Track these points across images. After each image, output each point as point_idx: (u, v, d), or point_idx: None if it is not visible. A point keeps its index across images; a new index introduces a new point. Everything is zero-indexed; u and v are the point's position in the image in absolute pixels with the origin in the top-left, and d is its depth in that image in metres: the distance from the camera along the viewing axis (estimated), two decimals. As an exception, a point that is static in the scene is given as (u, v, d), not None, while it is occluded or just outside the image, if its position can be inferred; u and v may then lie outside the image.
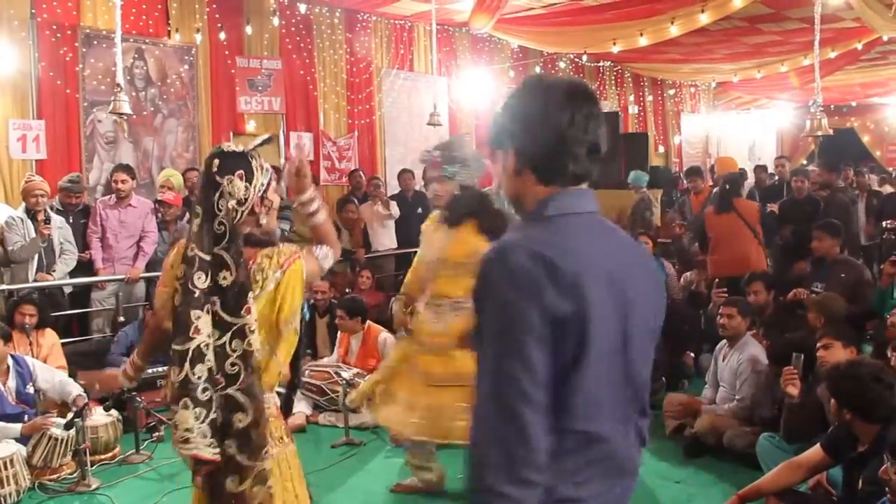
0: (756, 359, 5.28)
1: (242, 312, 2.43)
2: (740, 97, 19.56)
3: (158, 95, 8.68)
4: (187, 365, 2.39)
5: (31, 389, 5.26)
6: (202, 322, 2.41)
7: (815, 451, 3.68)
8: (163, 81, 8.71)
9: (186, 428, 2.38)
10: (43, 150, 7.67)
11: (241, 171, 2.54)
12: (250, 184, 2.56)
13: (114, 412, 5.46)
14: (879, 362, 3.98)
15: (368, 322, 6.40)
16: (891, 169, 18.07)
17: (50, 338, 6.01)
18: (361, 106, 10.72)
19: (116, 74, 5.66)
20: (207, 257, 2.46)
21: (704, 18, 9.84)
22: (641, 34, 10.67)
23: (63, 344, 6.22)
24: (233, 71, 9.35)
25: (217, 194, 2.51)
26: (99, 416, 5.33)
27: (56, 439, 4.91)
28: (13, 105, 7.56)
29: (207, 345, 2.41)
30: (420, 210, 9.84)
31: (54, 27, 7.80)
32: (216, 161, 2.55)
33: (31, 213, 6.44)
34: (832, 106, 19.09)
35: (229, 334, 2.43)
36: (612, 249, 1.65)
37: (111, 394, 5.15)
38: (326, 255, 2.73)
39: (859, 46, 12.46)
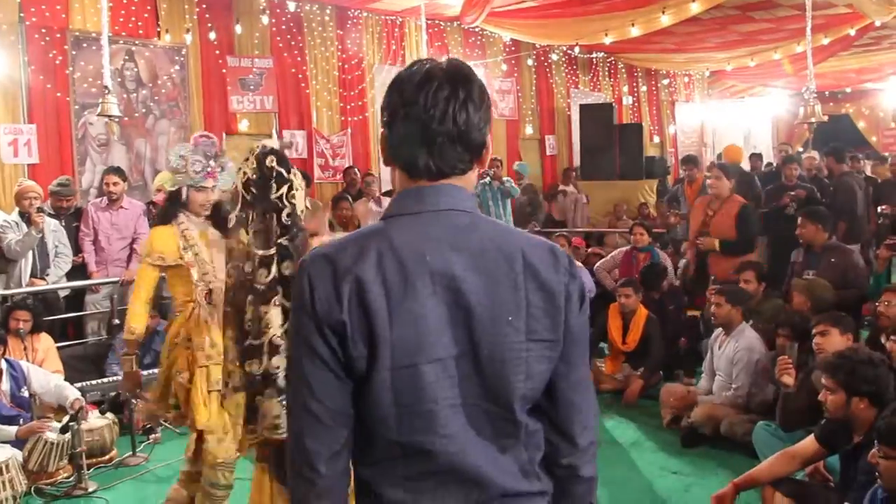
0: (752, 347, 5.28)
1: None
2: (734, 85, 19.53)
3: (150, 97, 8.66)
4: (265, 358, 2.60)
5: (25, 393, 5.26)
6: (271, 316, 2.58)
7: (809, 443, 3.67)
8: (154, 82, 8.69)
9: (276, 415, 2.59)
10: (35, 154, 7.66)
11: (296, 170, 2.74)
12: (304, 180, 2.80)
13: (110, 415, 5.46)
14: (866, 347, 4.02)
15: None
16: (886, 154, 18.06)
17: (45, 342, 6.00)
18: (354, 103, 10.71)
19: (104, 77, 5.64)
20: (270, 252, 2.61)
21: (696, 7, 9.80)
22: (633, 24, 10.63)
23: (59, 348, 6.21)
24: (224, 70, 9.33)
25: (287, 187, 2.66)
26: (95, 420, 5.33)
27: (52, 443, 4.90)
28: (4, 110, 7.54)
29: (281, 336, 2.60)
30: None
31: (43, 30, 7.78)
32: (272, 157, 2.69)
33: (26, 217, 6.43)
34: (827, 92, 19.08)
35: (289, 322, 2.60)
36: (453, 254, 1.43)
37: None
38: None
39: (852, 32, 12.43)
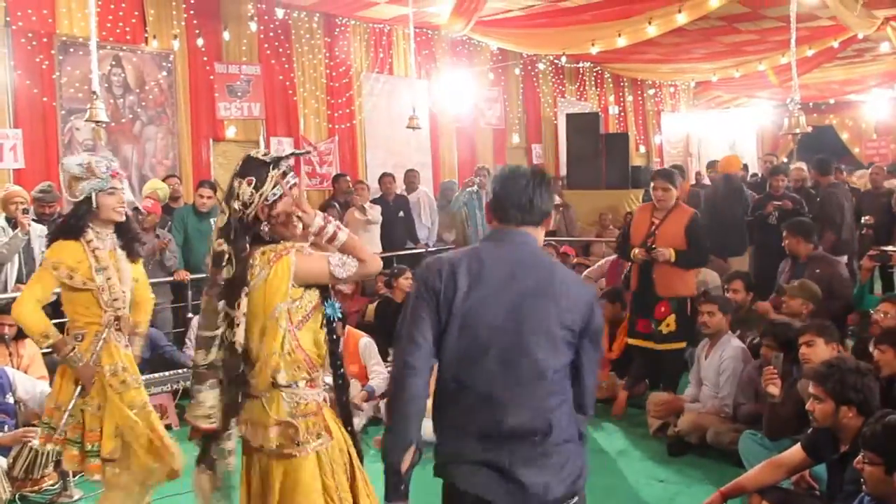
0: (738, 356, 5.31)
1: (235, 306, 2.64)
2: (720, 96, 19.68)
3: (137, 102, 8.64)
4: (214, 349, 2.69)
5: (10, 399, 5.21)
6: (224, 312, 2.68)
7: (795, 452, 3.70)
8: (141, 88, 8.67)
9: (211, 405, 2.72)
10: (21, 159, 7.62)
11: (252, 178, 2.71)
12: (257, 191, 2.72)
13: (96, 422, 5.41)
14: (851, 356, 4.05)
15: (348, 327, 6.38)
16: (867, 164, 18.25)
17: (30, 348, 5.94)
18: (341, 110, 10.71)
19: (92, 82, 5.62)
20: (224, 248, 2.70)
21: (682, 18, 9.89)
22: (620, 35, 10.72)
23: (44, 354, 6.16)
24: (211, 77, 9.32)
25: (230, 194, 2.74)
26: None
27: (37, 450, 4.86)
28: (-11, 114, 7.51)
29: (227, 333, 2.69)
30: (402, 214, 9.86)
31: (30, 35, 7.75)
32: (240, 164, 2.78)
33: (12, 222, 6.38)
34: (811, 103, 19.27)
35: (226, 324, 2.69)
36: (517, 266, 2.42)
37: None
38: (344, 264, 2.75)
39: (836, 44, 12.57)
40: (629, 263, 6.81)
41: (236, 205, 2.69)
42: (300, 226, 2.76)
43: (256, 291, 2.65)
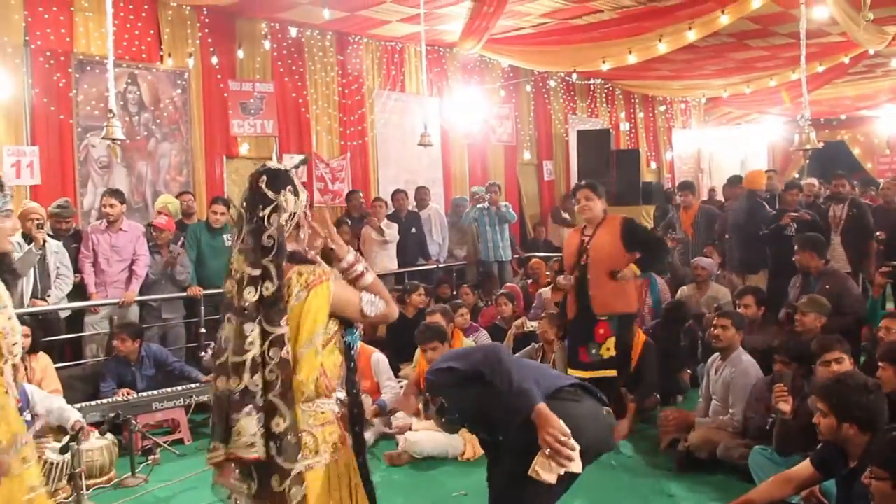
0: (748, 371, 5.31)
1: (281, 322, 2.54)
2: (731, 112, 19.69)
3: (152, 120, 8.75)
4: (246, 375, 2.52)
5: (28, 416, 5.26)
6: (254, 334, 2.53)
7: (804, 467, 3.69)
8: (156, 106, 8.78)
9: (252, 433, 2.51)
10: (37, 175, 7.72)
11: (291, 187, 2.68)
12: (297, 199, 2.69)
13: (109, 436, 5.47)
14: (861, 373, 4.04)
15: (360, 342, 6.40)
16: (881, 180, 18.18)
17: (43, 361, 6.02)
18: (354, 127, 10.80)
19: (109, 100, 5.71)
20: (256, 272, 2.57)
21: (692, 35, 9.94)
22: (630, 52, 10.77)
23: (58, 368, 6.23)
24: (225, 95, 9.42)
25: (270, 209, 2.62)
26: (94, 440, 5.34)
27: (51, 463, 4.91)
28: (7, 131, 7.61)
29: (260, 355, 2.54)
30: (414, 230, 9.91)
31: (48, 54, 7.87)
32: (264, 178, 2.66)
33: (29, 238, 6.47)
34: (822, 119, 19.25)
35: (267, 343, 2.54)
36: None
37: None
38: (374, 303, 2.72)
39: (846, 60, 12.60)
40: (640, 281, 6.78)
41: (283, 217, 2.62)
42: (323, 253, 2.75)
43: (290, 313, 2.58)
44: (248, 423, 2.52)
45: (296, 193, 2.68)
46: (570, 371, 5.70)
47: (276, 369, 2.54)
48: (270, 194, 2.63)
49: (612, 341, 5.68)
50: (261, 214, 2.60)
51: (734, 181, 10.41)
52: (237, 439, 2.52)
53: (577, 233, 5.91)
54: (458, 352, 3.26)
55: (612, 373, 5.71)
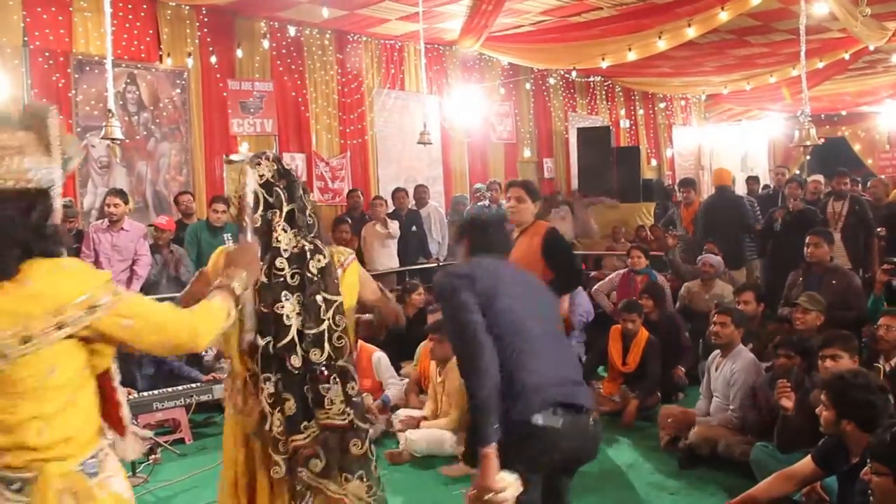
0: (749, 368, 5.30)
1: (340, 290, 2.69)
2: (731, 109, 19.67)
3: (151, 119, 8.75)
4: (326, 344, 2.64)
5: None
6: (325, 304, 2.66)
7: (806, 463, 3.69)
8: (155, 105, 8.77)
9: (341, 400, 2.63)
10: (37, 176, 7.70)
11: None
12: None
13: (110, 435, 5.45)
14: (872, 373, 4.03)
15: (360, 342, 6.40)
16: (882, 176, 18.17)
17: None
18: (353, 126, 10.79)
19: (108, 100, 5.71)
20: (312, 246, 2.70)
21: (691, 32, 9.92)
22: (630, 49, 10.76)
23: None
24: (225, 94, 9.42)
25: (301, 190, 2.76)
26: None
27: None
28: (6, 132, 7.59)
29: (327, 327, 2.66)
30: (414, 228, 9.91)
31: (47, 54, 7.87)
32: (280, 164, 2.79)
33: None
34: (823, 115, 19.23)
35: (332, 311, 2.65)
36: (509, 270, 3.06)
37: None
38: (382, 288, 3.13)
39: (846, 56, 12.57)
40: (639, 277, 6.63)
41: (307, 199, 2.79)
42: None
43: None
44: (336, 392, 2.62)
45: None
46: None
47: (343, 335, 2.66)
48: (296, 178, 2.79)
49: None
50: (299, 194, 2.74)
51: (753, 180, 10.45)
52: (330, 408, 2.61)
53: None
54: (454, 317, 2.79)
55: None
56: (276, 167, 2.76)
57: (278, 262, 2.65)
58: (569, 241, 11.51)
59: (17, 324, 1.81)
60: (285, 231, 2.68)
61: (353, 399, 2.66)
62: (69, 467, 1.97)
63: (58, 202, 2.07)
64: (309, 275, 2.64)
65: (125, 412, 2.22)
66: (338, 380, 2.64)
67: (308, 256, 2.66)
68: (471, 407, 2.70)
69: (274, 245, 2.68)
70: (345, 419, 2.63)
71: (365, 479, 2.70)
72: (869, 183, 10.37)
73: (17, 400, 1.87)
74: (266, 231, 2.70)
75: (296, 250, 2.67)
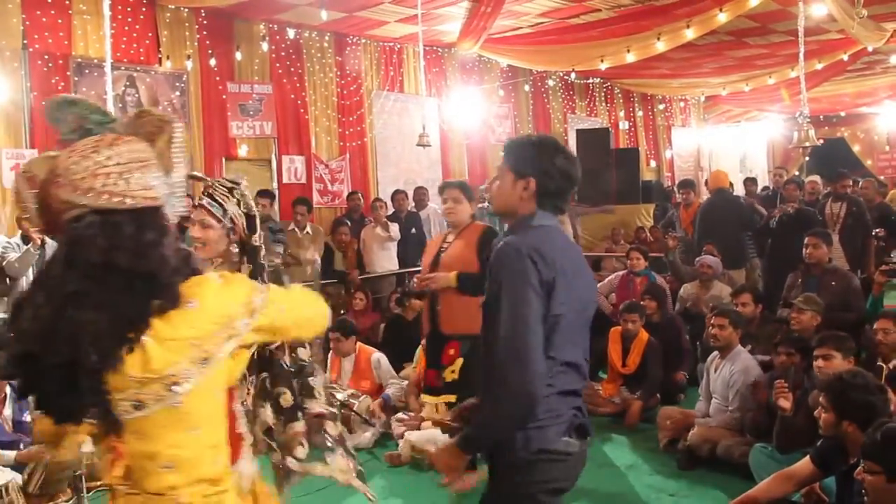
0: (747, 369, 5.31)
1: None
2: (730, 110, 19.68)
3: (150, 122, 8.73)
4: (308, 344, 2.93)
5: (27, 418, 5.26)
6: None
7: (804, 464, 3.70)
8: (154, 108, 8.76)
9: (326, 390, 2.94)
10: (36, 178, 7.70)
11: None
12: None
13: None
14: (870, 373, 4.03)
15: (359, 343, 6.41)
16: (881, 177, 18.19)
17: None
18: (353, 128, 10.80)
19: (107, 102, 5.72)
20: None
21: (690, 34, 9.94)
22: (629, 50, 10.78)
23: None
24: (224, 96, 9.42)
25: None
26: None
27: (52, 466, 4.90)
28: (7, 134, 7.62)
29: None
30: (414, 230, 9.90)
31: (46, 57, 7.88)
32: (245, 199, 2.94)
33: (28, 240, 6.46)
34: (822, 116, 19.24)
35: None
36: (568, 247, 2.61)
37: None
38: None
39: (845, 57, 12.60)
40: (639, 278, 6.62)
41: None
42: None
43: None
44: (320, 382, 2.89)
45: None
46: (422, 397, 5.13)
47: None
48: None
49: (458, 363, 4.87)
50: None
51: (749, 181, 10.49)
52: (319, 398, 2.84)
53: (439, 239, 5.14)
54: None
55: (451, 398, 4.76)
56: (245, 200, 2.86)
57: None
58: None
59: (194, 348, 1.72)
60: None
61: (331, 388, 2.89)
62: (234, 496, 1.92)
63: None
64: None
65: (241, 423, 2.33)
66: (319, 371, 2.87)
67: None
68: (488, 414, 2.44)
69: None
70: (330, 407, 2.80)
71: (345, 455, 2.77)
72: (861, 183, 10.36)
73: (194, 431, 1.77)
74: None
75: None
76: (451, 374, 4.77)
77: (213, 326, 1.74)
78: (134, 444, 1.73)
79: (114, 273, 1.63)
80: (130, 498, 1.77)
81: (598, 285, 8.29)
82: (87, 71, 8.15)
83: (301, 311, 2.03)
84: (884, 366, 4.77)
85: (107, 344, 1.61)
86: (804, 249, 6.56)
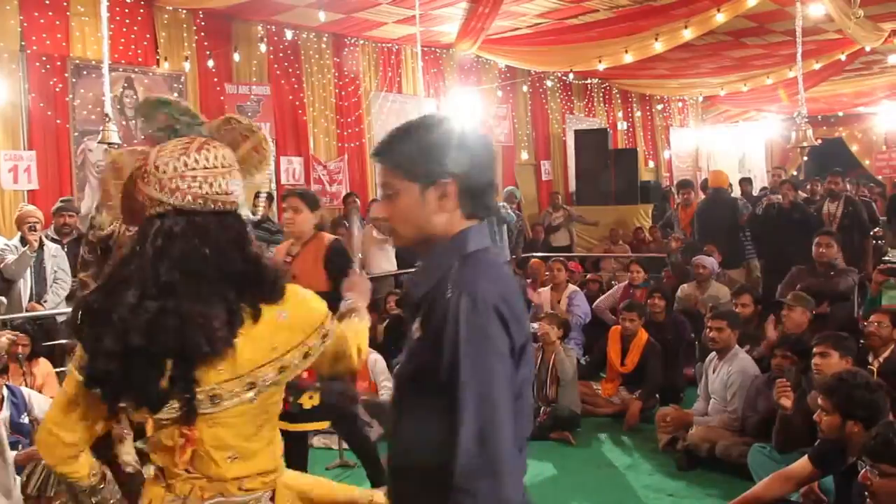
0: (745, 369, 5.32)
1: None
2: (728, 110, 19.69)
3: (148, 123, 8.73)
4: None
5: (25, 419, 5.25)
6: None
7: (803, 464, 3.69)
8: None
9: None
10: (34, 180, 7.72)
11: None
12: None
13: (109, 440, 5.44)
14: (866, 372, 4.04)
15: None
16: (880, 177, 18.24)
17: (44, 367, 6.00)
18: (351, 129, 10.80)
19: (105, 104, 5.72)
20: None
21: (688, 34, 9.94)
22: (627, 51, 10.78)
23: (58, 373, 6.21)
24: (222, 98, 9.41)
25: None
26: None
27: (50, 469, 4.90)
28: (4, 136, 7.62)
29: None
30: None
31: (44, 58, 7.87)
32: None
33: (26, 242, 6.46)
34: (820, 116, 19.25)
35: None
36: (512, 277, 1.83)
37: None
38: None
39: (843, 57, 12.60)
40: (639, 290, 6.67)
41: (90, 235, 2.83)
42: None
43: None
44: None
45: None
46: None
47: None
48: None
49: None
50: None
51: (706, 182, 10.55)
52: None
53: (285, 248, 4.75)
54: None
55: (322, 425, 4.54)
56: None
57: None
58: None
59: (277, 355, 1.85)
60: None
61: None
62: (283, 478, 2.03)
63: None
64: None
65: None
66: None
67: None
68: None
69: None
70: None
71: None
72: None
73: (262, 427, 1.91)
74: None
75: None
76: (308, 399, 4.25)
77: (296, 338, 1.87)
78: (205, 433, 1.82)
79: (206, 268, 1.75)
80: (192, 482, 1.87)
81: (600, 300, 8.32)
82: (84, 72, 8.15)
83: (341, 353, 2.09)
84: (874, 363, 4.77)
85: (219, 334, 1.72)
86: (815, 248, 6.57)
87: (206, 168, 1.81)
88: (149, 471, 1.98)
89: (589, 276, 9.73)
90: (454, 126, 1.78)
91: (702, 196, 13.39)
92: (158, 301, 1.70)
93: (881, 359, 4.75)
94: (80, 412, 1.89)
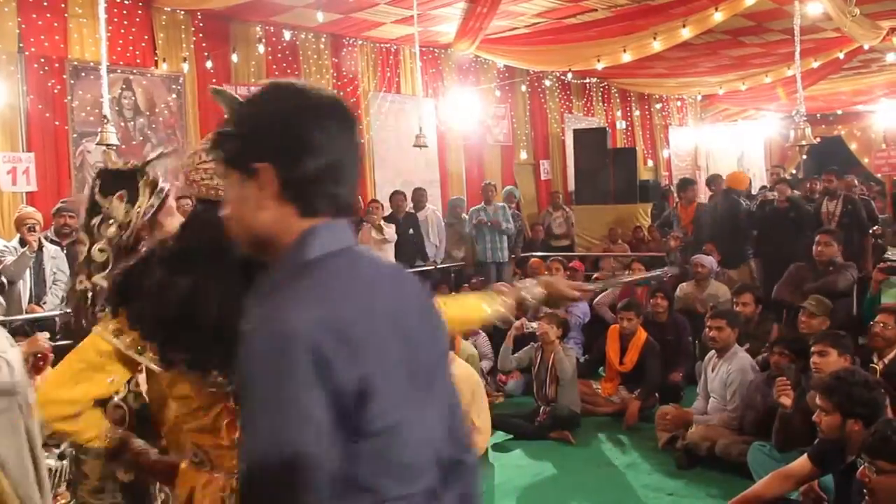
0: (745, 368, 5.32)
1: None
2: (727, 109, 19.69)
3: (147, 125, 8.74)
4: None
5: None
6: None
7: (802, 463, 3.69)
8: (151, 111, 8.77)
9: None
10: (33, 182, 7.72)
11: (123, 192, 2.37)
12: (132, 206, 2.36)
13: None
14: (863, 370, 4.04)
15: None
16: (879, 175, 18.23)
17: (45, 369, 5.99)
18: (350, 129, 10.77)
19: (103, 106, 5.71)
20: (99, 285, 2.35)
21: (686, 33, 9.93)
22: (625, 50, 10.77)
23: (56, 375, 6.20)
24: (220, 98, 9.39)
25: (98, 218, 2.35)
26: (93, 446, 5.31)
27: (49, 469, 4.90)
28: (3, 138, 7.61)
29: None
30: (412, 231, 9.91)
31: (42, 60, 7.87)
32: (98, 181, 2.42)
33: (25, 243, 6.45)
34: (818, 115, 19.23)
35: None
36: (388, 288, 1.40)
37: None
38: None
39: (841, 56, 12.61)
40: (640, 288, 6.70)
41: (112, 229, 2.34)
42: None
43: None
44: None
45: (130, 200, 2.34)
46: None
47: None
48: (98, 200, 2.37)
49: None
50: (90, 224, 2.35)
51: (714, 180, 10.53)
52: None
53: None
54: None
55: None
56: (89, 188, 2.48)
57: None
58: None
59: None
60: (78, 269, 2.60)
61: None
62: None
63: None
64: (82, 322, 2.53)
65: None
66: None
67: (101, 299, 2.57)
68: None
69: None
70: None
71: None
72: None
73: None
74: None
75: (80, 288, 2.55)
76: None
77: None
78: None
79: (224, 254, 1.70)
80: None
81: (600, 296, 8.30)
82: (83, 74, 8.14)
83: None
84: (877, 364, 4.78)
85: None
86: (815, 247, 6.56)
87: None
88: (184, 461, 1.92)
89: (595, 276, 9.71)
90: (290, 95, 1.39)
91: (702, 196, 13.47)
92: (194, 278, 1.74)
93: (886, 360, 4.75)
94: (86, 376, 1.86)
